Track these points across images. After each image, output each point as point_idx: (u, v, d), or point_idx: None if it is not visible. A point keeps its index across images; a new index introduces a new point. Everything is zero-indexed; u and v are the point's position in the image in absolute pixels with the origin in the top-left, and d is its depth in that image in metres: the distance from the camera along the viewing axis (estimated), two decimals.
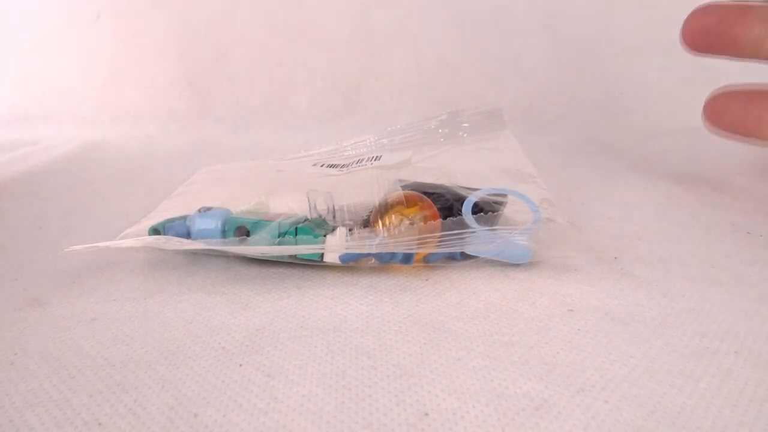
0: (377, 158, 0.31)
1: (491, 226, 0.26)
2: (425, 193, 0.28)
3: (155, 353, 0.21)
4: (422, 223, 0.25)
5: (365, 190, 0.29)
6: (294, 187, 0.32)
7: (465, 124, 0.32)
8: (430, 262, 0.27)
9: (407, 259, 0.26)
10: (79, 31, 0.77)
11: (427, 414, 0.17)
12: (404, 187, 0.29)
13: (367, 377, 0.19)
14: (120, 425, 0.17)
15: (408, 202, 0.26)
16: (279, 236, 0.26)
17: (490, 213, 0.26)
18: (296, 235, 0.26)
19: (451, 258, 0.27)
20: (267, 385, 0.18)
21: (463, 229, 0.25)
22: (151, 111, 0.72)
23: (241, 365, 0.20)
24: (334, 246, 0.25)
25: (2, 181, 0.50)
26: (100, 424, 0.17)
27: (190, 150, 0.61)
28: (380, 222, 0.26)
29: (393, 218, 0.25)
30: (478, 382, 0.18)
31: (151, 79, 0.75)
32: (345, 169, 0.31)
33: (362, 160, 0.32)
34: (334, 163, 0.32)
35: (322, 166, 0.32)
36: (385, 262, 0.26)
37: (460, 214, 0.26)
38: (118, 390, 0.19)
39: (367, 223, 0.27)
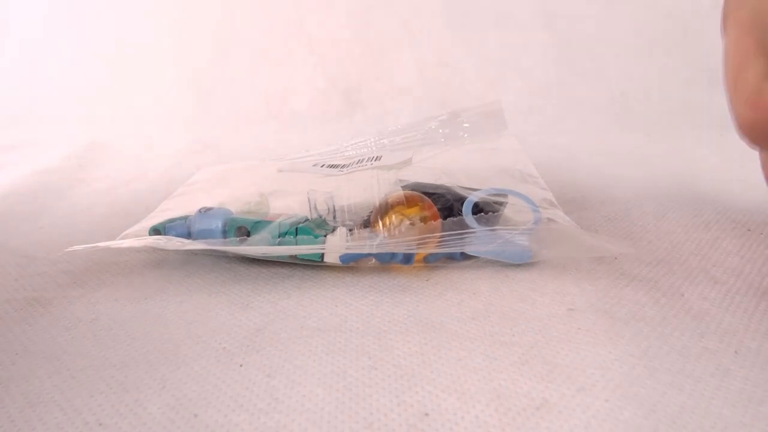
0: (378, 158, 0.31)
1: (491, 226, 0.26)
2: (426, 194, 0.28)
3: (156, 353, 0.21)
4: (422, 224, 0.25)
5: (366, 190, 0.29)
6: (295, 187, 0.32)
7: (465, 125, 0.32)
8: (430, 262, 0.27)
9: (408, 259, 0.26)
10: (80, 31, 0.77)
11: (427, 414, 0.17)
12: (405, 188, 0.29)
13: (368, 377, 0.19)
14: (121, 425, 0.17)
15: (408, 203, 0.26)
16: (279, 236, 0.26)
17: (490, 213, 0.26)
18: (296, 235, 0.26)
19: (452, 258, 0.27)
20: (267, 386, 0.18)
21: (464, 229, 0.25)
22: (152, 111, 0.72)
23: (241, 365, 0.20)
24: (335, 246, 0.25)
25: (3, 181, 0.50)
26: (100, 424, 0.17)
27: (190, 150, 0.61)
28: (381, 222, 0.26)
29: (393, 218, 0.26)
30: (478, 382, 0.18)
31: (151, 79, 0.75)
32: (345, 169, 0.31)
33: (363, 160, 0.32)
34: (335, 163, 0.32)
35: (322, 166, 0.32)
36: (385, 262, 0.26)
37: (461, 215, 0.26)
38: (119, 390, 0.19)
39: (367, 224, 0.27)
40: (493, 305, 0.23)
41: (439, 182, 0.31)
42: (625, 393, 0.17)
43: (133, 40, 0.76)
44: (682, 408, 0.16)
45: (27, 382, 0.19)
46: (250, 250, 0.26)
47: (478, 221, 0.26)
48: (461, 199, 0.27)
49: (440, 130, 0.32)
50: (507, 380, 0.18)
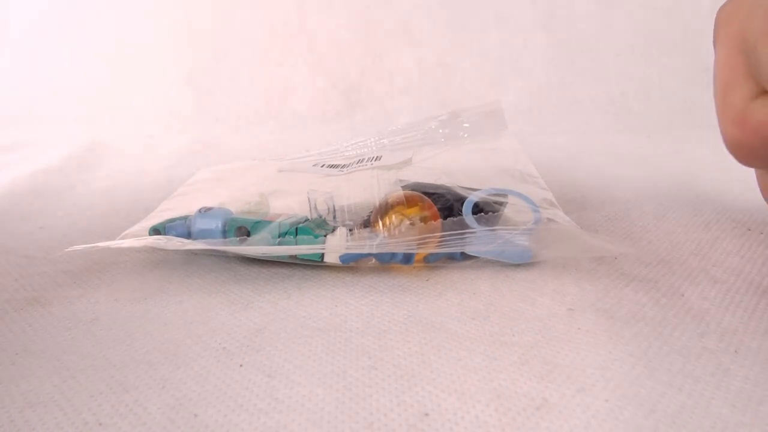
0: (378, 158, 0.31)
1: (491, 226, 0.26)
2: (426, 194, 0.28)
3: (156, 353, 0.21)
4: (423, 224, 0.25)
5: (366, 190, 0.29)
6: (295, 187, 0.32)
7: (465, 125, 0.32)
8: (430, 262, 0.27)
9: (407, 259, 0.26)
10: (79, 30, 0.77)
11: (427, 414, 0.17)
12: (405, 188, 0.29)
13: (368, 377, 0.19)
14: (120, 425, 0.17)
15: (408, 203, 0.26)
16: (279, 236, 0.26)
17: (490, 213, 0.26)
18: (296, 235, 0.26)
19: (452, 258, 0.27)
20: (267, 386, 0.18)
21: (464, 229, 0.25)
22: (152, 111, 0.72)
23: (241, 365, 0.20)
24: (335, 246, 0.25)
25: (3, 181, 0.50)
26: (100, 424, 0.17)
27: (190, 150, 0.61)
28: (381, 222, 0.26)
29: (393, 218, 0.26)
30: (478, 382, 0.18)
31: (151, 79, 0.75)
32: (345, 169, 0.31)
33: (363, 160, 0.32)
34: (335, 163, 0.32)
35: (322, 166, 0.32)
36: (385, 262, 0.26)
37: (461, 215, 0.26)
38: (118, 390, 0.19)
39: (367, 224, 0.27)
40: (493, 305, 0.23)
41: (439, 182, 0.31)
42: (625, 393, 0.17)
43: (133, 40, 0.76)
44: (682, 408, 0.16)
45: (27, 382, 0.19)
46: (250, 250, 0.26)
47: (478, 221, 0.26)
48: (461, 199, 0.27)
49: (440, 130, 0.32)
50: (507, 380, 0.18)
